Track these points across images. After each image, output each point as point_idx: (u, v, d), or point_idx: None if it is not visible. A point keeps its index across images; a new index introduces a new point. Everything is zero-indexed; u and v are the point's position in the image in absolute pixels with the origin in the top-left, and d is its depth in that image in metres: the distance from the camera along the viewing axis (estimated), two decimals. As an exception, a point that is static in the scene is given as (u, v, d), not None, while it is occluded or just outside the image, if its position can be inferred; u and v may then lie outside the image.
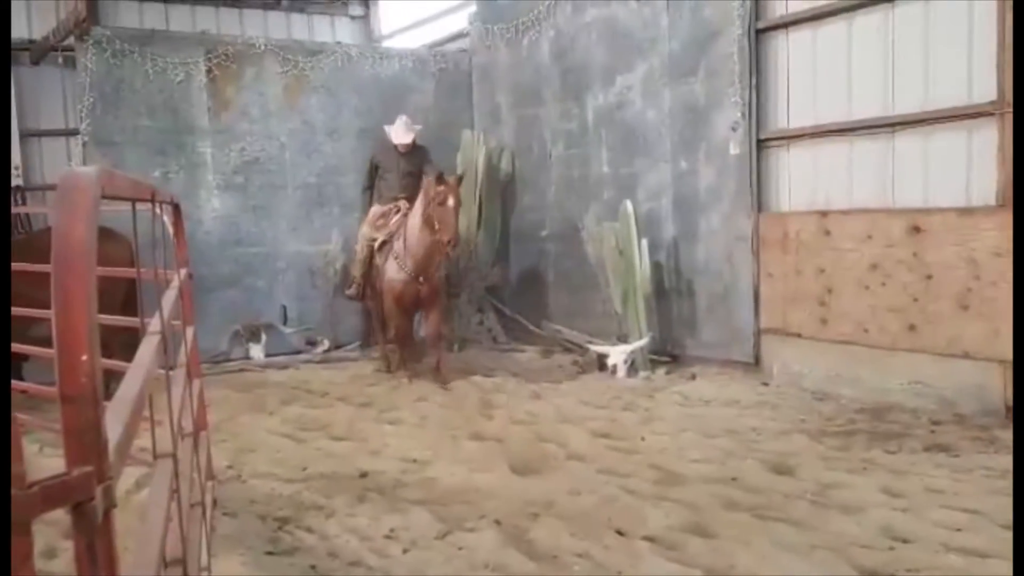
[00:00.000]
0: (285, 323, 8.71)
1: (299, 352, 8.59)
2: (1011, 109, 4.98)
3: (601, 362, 7.12)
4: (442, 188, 6.55)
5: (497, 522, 3.71)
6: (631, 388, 6.48)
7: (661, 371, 6.94)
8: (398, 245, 6.99)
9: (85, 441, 0.96)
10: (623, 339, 7.22)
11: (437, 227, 6.55)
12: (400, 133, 7.41)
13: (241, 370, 7.97)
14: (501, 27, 9.08)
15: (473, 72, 9.64)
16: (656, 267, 7.17)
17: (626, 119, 7.71)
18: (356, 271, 7.61)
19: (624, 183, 7.74)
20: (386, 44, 11.94)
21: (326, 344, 8.70)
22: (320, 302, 8.84)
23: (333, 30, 12.37)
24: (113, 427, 1.06)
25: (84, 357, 0.97)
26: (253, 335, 8.47)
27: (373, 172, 7.69)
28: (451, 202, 6.54)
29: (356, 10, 12.53)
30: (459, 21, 10.32)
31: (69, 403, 0.96)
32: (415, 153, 7.51)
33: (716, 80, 6.74)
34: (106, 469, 0.98)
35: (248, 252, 8.58)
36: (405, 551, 3.48)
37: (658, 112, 7.36)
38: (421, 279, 6.85)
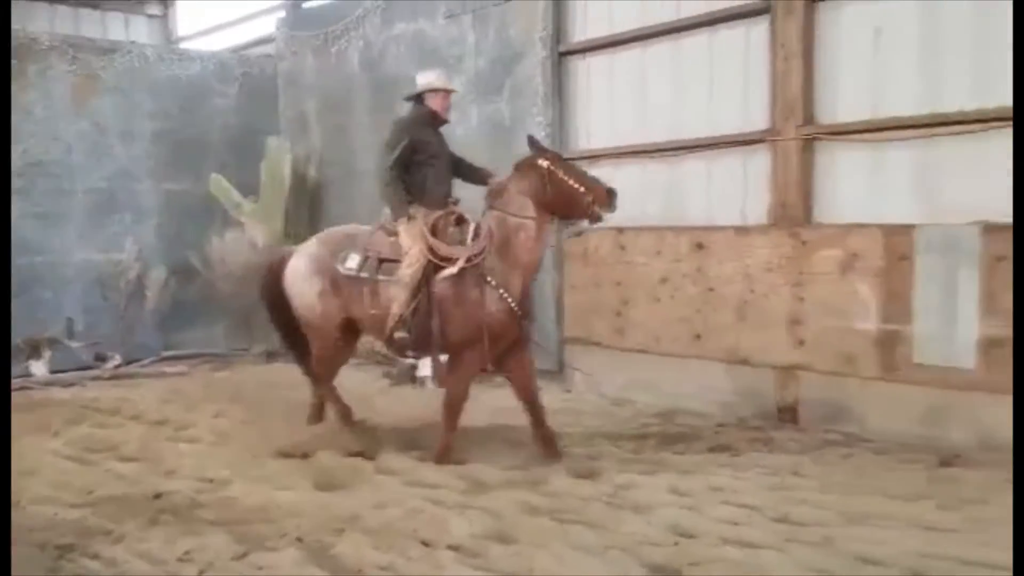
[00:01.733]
0: (71, 337, 8.10)
1: (87, 368, 8.02)
2: (781, 137, 5.49)
3: (412, 374, 7.13)
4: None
5: (299, 539, 3.64)
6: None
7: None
8: (495, 264, 4.78)
9: None
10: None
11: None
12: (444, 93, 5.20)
13: (22, 388, 7.34)
14: (309, 35, 8.94)
15: (279, 78, 9.42)
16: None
17: (435, 133, 7.78)
18: (401, 307, 4.80)
19: (433, 196, 7.79)
20: (185, 46, 11.44)
21: (117, 359, 8.17)
22: (111, 314, 8.30)
23: (127, 29, 11.72)
24: None
25: None
26: (34, 350, 7.82)
27: (409, 157, 5.00)
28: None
29: (153, 9, 11.94)
30: (265, 26, 10.07)
31: None
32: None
33: (521, 100, 6.97)
34: None
35: (32, 261, 7.93)
36: (201, 573, 3.35)
37: (466, 128, 7.49)
38: (520, 312, 4.85)
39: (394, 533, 3.70)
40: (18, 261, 7.80)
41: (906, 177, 5.15)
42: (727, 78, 5.90)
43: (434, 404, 6.19)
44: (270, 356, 8.44)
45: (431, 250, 4.78)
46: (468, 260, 4.74)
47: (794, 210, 5.47)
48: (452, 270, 4.74)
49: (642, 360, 6.25)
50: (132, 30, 11.82)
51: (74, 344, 8.09)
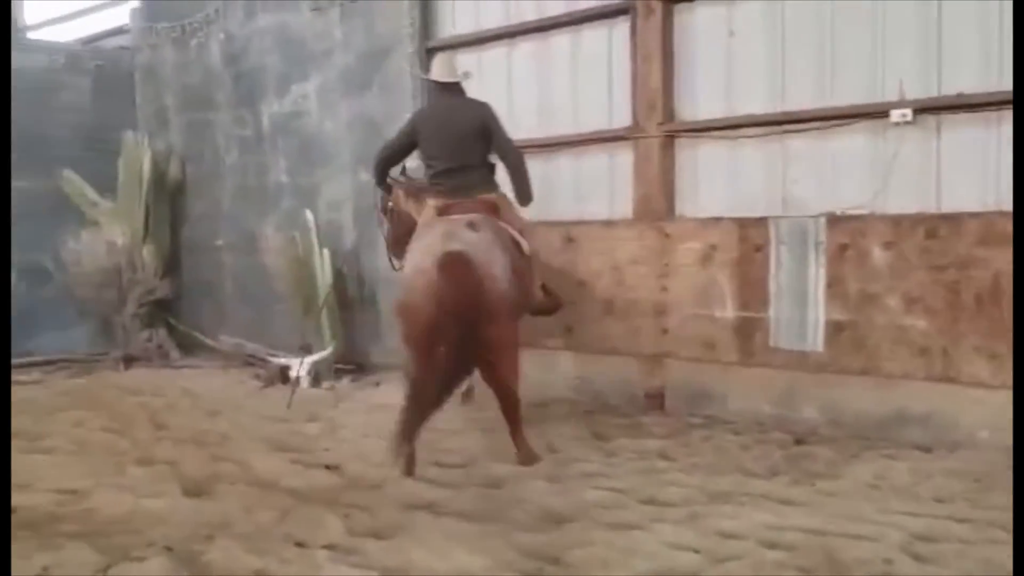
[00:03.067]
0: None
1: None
2: (643, 135, 5.69)
3: (284, 375, 7.00)
4: None
5: (168, 548, 3.52)
6: (315, 399, 6.45)
7: (346, 380, 6.98)
8: None
9: None
10: (306, 350, 7.16)
11: None
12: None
13: None
14: (166, 26, 8.60)
15: (136, 72, 9.02)
16: (339, 276, 7.20)
17: (304, 128, 7.67)
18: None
19: (304, 193, 7.68)
20: (31, 36, 10.79)
21: (-39, 369, 7.65)
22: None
23: (-35, 14, 10.91)
24: None
25: None
26: None
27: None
28: None
29: (-6, -6, 11.17)
30: (118, 16, 9.62)
31: None
32: None
33: (391, 95, 6.94)
34: None
35: None
36: (61, 590, 3.21)
37: (335, 123, 7.41)
38: None
39: (267, 536, 3.62)
40: None
41: (760, 172, 5.44)
42: (592, 77, 6.06)
43: (308, 407, 6.16)
44: (128, 361, 8.11)
45: None
46: None
47: (657, 204, 5.69)
48: None
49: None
50: (-30, 17, 11.06)
51: (-89, 354, 7.51)
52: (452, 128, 4.89)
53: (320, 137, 7.55)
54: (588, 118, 6.09)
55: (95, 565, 3.36)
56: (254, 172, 8.12)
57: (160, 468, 4.72)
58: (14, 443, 5.37)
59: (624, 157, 5.89)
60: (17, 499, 4.22)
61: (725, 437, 5.02)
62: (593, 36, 6.04)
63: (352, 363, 7.27)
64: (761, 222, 5.23)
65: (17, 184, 8.17)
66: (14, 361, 7.92)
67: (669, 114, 5.66)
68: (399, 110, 6.85)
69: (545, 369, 6.18)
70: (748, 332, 5.30)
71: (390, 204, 5.64)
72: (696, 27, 5.60)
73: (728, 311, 5.35)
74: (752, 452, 4.70)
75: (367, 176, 7.12)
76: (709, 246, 5.40)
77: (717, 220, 5.43)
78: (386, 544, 3.50)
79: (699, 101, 5.64)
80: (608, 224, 5.91)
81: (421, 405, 4.40)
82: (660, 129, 5.64)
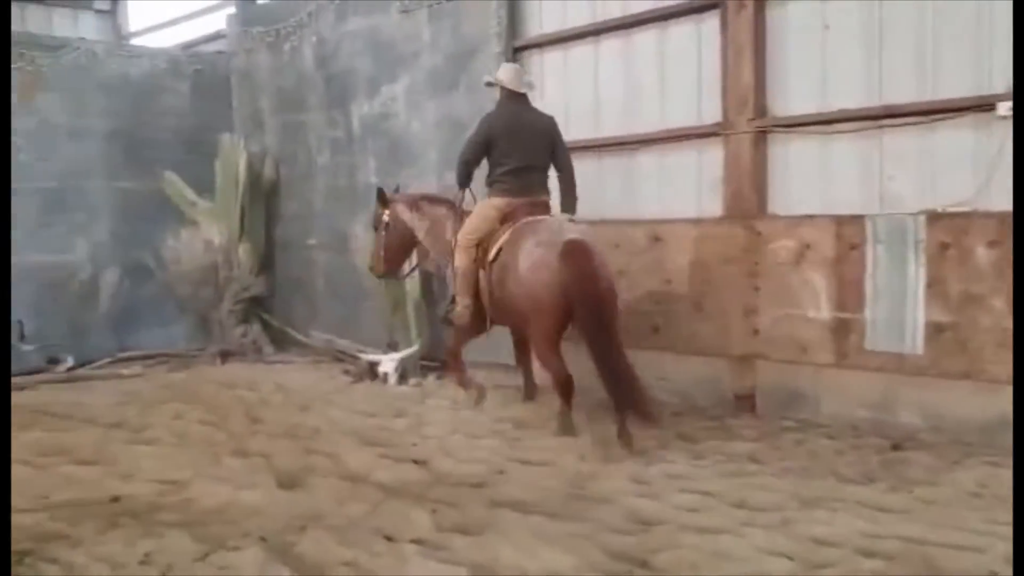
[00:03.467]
0: (22, 340, 7.95)
1: (38, 371, 7.87)
2: (734, 131, 5.59)
3: (373, 371, 7.13)
4: None
5: (262, 539, 3.62)
6: (402, 395, 6.55)
7: (432, 377, 7.07)
8: None
9: None
10: (393, 347, 7.28)
11: None
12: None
13: (-32, 394, 7.19)
14: (261, 31, 8.85)
15: (232, 75, 9.31)
16: (426, 275, 7.29)
17: (392, 129, 7.78)
18: None
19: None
20: (135, 42, 11.26)
21: (70, 362, 8.04)
22: (62, 316, 8.16)
23: (76, 24, 11.49)
24: None
25: None
26: (-17, 354, 7.66)
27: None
28: None
29: (102, 4, 11.73)
30: (215, 22, 9.95)
31: None
32: None
33: (477, 95, 6.96)
34: None
35: (-22, 264, 7.75)
36: (162, 575, 3.33)
37: (423, 124, 7.49)
38: None
39: (357, 529, 3.70)
40: (-36, 263, 7.64)
41: (854, 168, 5.27)
42: (679, 73, 5.98)
43: (396, 403, 6.26)
44: (224, 356, 8.37)
45: None
46: None
47: (748, 202, 5.57)
48: None
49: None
50: (81, 26, 11.59)
51: (25, 347, 7.93)
52: (524, 133, 5.38)
53: (407, 137, 7.65)
54: (675, 115, 6.00)
55: (194, 553, 3.49)
56: (345, 172, 8.28)
57: (255, 460, 4.87)
58: (118, 433, 5.64)
59: (713, 154, 5.78)
60: (121, 488, 4.44)
61: (818, 441, 4.89)
62: (681, 32, 5.95)
63: (437, 360, 7.35)
64: (857, 220, 5.07)
65: (122, 185, 8.57)
66: (120, 355, 8.33)
67: (760, 110, 5.54)
68: (484, 110, 6.87)
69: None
70: (843, 333, 5.14)
71: (385, 217, 6.16)
72: (789, 21, 5.46)
73: (822, 311, 5.20)
74: (847, 457, 4.57)
75: (452, 177, 7.25)
76: (802, 244, 5.26)
77: (811, 218, 5.28)
78: (473, 540, 3.53)
79: (791, 96, 5.49)
80: (696, 222, 5.82)
81: (569, 394, 5.06)
82: (751, 125, 5.52)
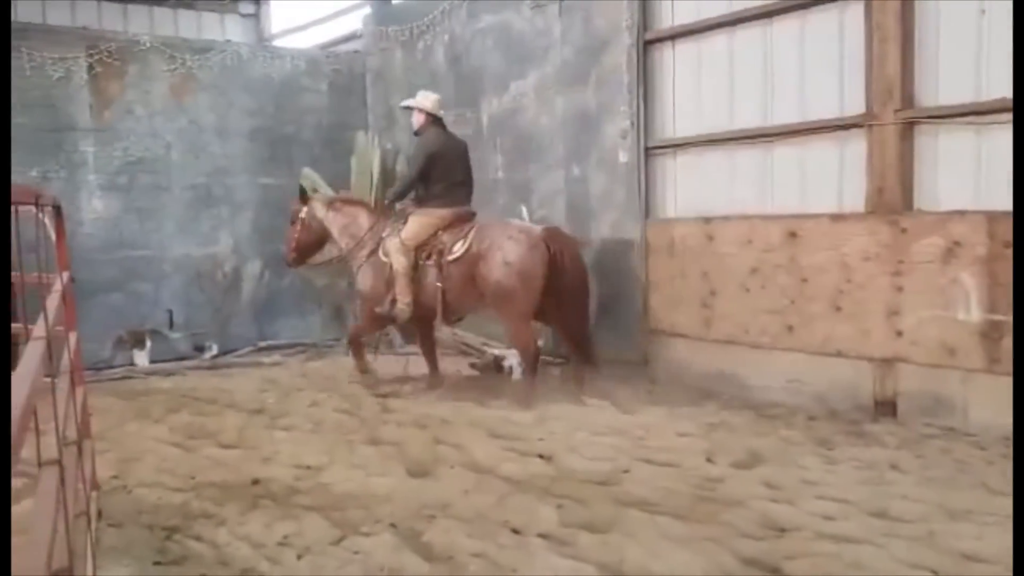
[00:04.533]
0: (171, 328, 8.45)
1: (186, 358, 8.35)
2: (878, 122, 5.32)
3: (497, 364, 7.19)
4: None
5: (393, 525, 3.72)
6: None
7: (555, 372, 7.07)
8: None
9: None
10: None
11: None
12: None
13: (124, 377, 7.70)
14: (395, 30, 9.07)
15: (367, 74, 9.59)
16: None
17: (520, 125, 7.82)
18: None
19: (519, 188, 7.85)
20: (277, 43, 11.74)
21: (214, 349, 8.49)
22: (208, 306, 8.63)
23: (223, 27, 12.10)
24: None
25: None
26: (137, 341, 8.19)
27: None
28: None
29: (246, 8, 12.29)
30: (352, 22, 10.26)
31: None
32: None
33: (606, 89, 6.93)
34: None
35: (132, 255, 8.29)
36: (299, 557, 3.46)
37: (551, 119, 7.50)
38: None
39: (485, 520, 3.74)
40: (120, 255, 8.17)
41: (1011, 162, 4.92)
42: (820, 63, 5.73)
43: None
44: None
45: None
46: None
47: (892, 197, 5.30)
48: None
49: (729, 351, 6.15)
50: (227, 29, 12.20)
51: (174, 335, 8.43)
52: (451, 154, 6.39)
53: (535, 132, 7.67)
54: (815, 106, 5.77)
55: (330, 537, 3.61)
56: (474, 168, 8.36)
57: (386, 448, 5.00)
58: (259, 419, 5.90)
59: (856, 146, 5.53)
60: (261, 471, 4.64)
61: (966, 450, 4.60)
62: (822, 19, 5.70)
63: (560, 356, 7.34)
64: (1012, 216, 4.73)
65: (264, 181, 8.96)
66: (260, 344, 8.72)
67: (908, 100, 5.25)
68: (614, 103, 6.84)
69: (757, 369, 5.95)
70: (995, 337, 4.81)
71: (302, 214, 6.92)
72: (940, 6, 5.15)
73: (972, 313, 4.89)
74: (997, 467, 4.27)
75: (579, 171, 7.23)
76: (952, 242, 4.96)
77: (961, 214, 4.97)
78: (600, 538, 3.50)
79: (941, 85, 5.18)
80: (836, 218, 5.58)
81: (536, 364, 6.24)
82: (898, 116, 5.24)
